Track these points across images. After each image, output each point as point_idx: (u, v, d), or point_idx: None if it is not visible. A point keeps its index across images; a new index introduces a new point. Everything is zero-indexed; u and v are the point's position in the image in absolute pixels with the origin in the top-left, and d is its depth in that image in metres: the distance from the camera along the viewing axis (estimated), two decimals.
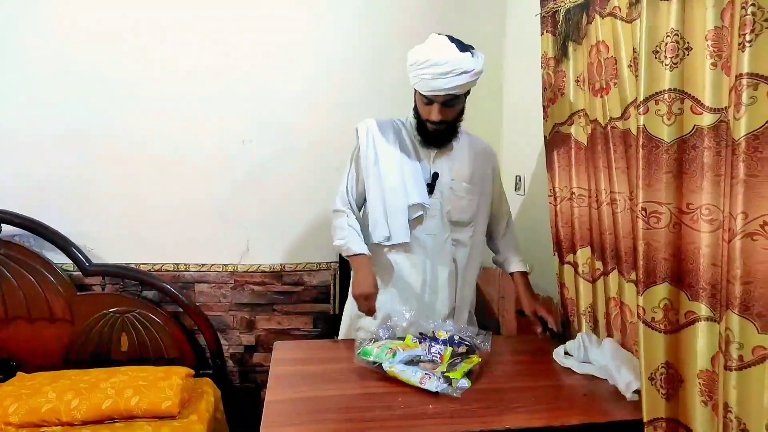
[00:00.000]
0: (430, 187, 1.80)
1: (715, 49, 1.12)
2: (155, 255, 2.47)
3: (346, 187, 1.86)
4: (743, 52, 0.96)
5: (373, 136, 1.82)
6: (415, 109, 1.79)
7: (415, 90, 1.73)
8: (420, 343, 1.61)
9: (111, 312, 2.36)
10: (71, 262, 2.36)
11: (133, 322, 2.38)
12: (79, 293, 2.36)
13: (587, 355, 1.59)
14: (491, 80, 2.57)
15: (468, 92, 1.75)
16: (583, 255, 1.75)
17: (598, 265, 1.68)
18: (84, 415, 1.95)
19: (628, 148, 1.45)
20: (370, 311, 1.71)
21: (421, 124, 1.78)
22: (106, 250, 2.44)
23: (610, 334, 1.64)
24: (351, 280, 1.78)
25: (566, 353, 1.66)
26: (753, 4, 0.94)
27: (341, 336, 1.97)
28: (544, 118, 1.85)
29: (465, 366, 1.51)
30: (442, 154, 1.83)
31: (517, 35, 2.41)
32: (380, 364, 1.52)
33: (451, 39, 1.66)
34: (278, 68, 2.45)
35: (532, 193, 2.26)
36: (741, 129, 0.98)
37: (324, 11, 2.46)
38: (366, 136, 1.82)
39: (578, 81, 1.71)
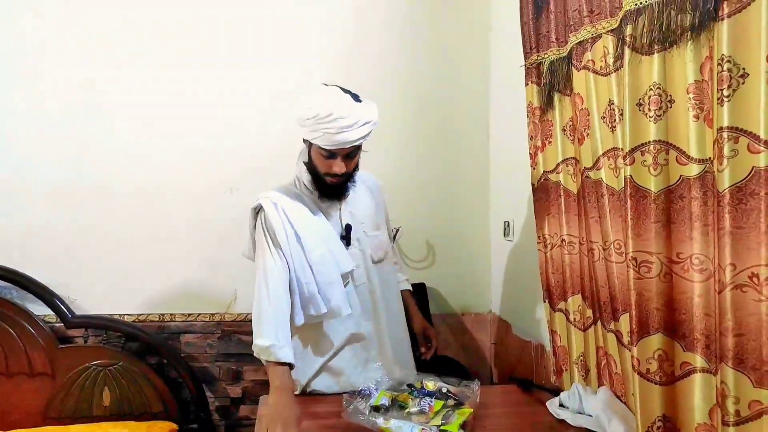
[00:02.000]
0: (347, 240, 1.75)
1: (697, 102, 1.14)
2: (140, 305, 2.42)
3: (269, 269, 1.66)
4: (722, 106, 0.98)
5: (284, 211, 1.69)
6: (309, 165, 1.71)
7: (311, 145, 1.66)
8: (410, 394, 1.58)
9: (93, 365, 2.30)
10: (53, 313, 2.31)
11: (116, 375, 2.31)
12: (60, 346, 2.30)
13: (582, 405, 1.56)
14: (478, 127, 2.61)
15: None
16: (574, 303, 1.74)
17: (589, 313, 1.66)
18: None
19: (600, 197, 1.46)
20: None
21: (318, 179, 1.71)
22: (89, 301, 2.39)
23: (601, 384, 1.61)
24: (267, 397, 1.56)
25: (561, 404, 1.62)
26: (729, 61, 0.97)
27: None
28: (531, 166, 1.87)
29: (459, 418, 1.48)
30: (346, 204, 1.79)
31: (502, 84, 2.46)
32: (374, 421, 1.47)
33: (344, 90, 1.63)
34: (265, 117, 2.47)
35: (520, 239, 2.26)
36: (725, 181, 0.99)
37: (310, 65, 2.49)
38: (278, 214, 1.68)
39: (564, 130, 1.74)
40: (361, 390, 1.61)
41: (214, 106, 2.44)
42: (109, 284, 2.40)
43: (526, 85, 1.85)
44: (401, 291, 1.97)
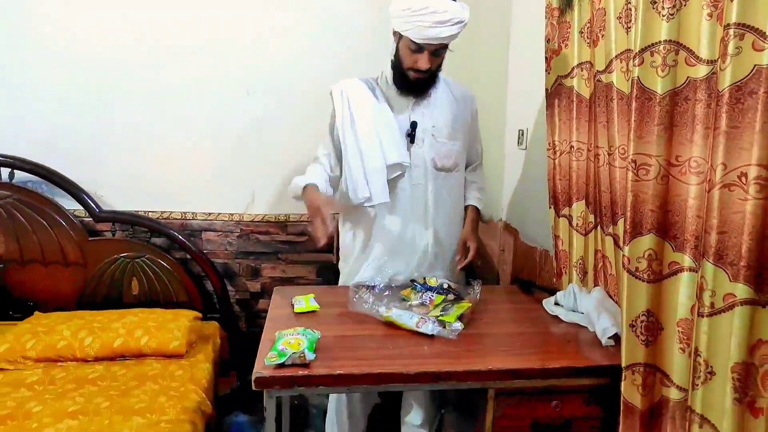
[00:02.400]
0: (411, 137, 1.81)
1: (711, 0, 1.11)
2: (163, 203, 2.54)
3: (325, 153, 1.90)
4: (732, 1, 0.96)
5: (347, 98, 1.82)
6: (396, 58, 1.77)
7: (400, 37, 1.71)
8: (413, 289, 1.68)
9: (122, 257, 2.45)
10: (82, 208, 2.44)
11: (143, 267, 2.46)
12: (90, 238, 2.45)
13: (576, 304, 1.64)
14: (498, 34, 2.53)
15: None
16: (578, 208, 1.77)
17: (591, 218, 1.70)
18: (97, 352, 2.06)
19: (609, 101, 1.45)
20: (323, 235, 1.63)
21: (401, 74, 1.77)
22: (115, 198, 2.51)
23: (596, 284, 1.68)
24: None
25: (556, 303, 1.70)
26: None
27: (341, 284, 2.04)
28: (546, 70, 1.84)
29: (457, 310, 1.58)
30: (420, 103, 1.84)
31: None
32: (377, 310, 1.58)
33: None
34: (280, 19, 2.44)
35: (534, 148, 2.26)
36: (726, 79, 0.98)
37: None
38: (341, 99, 1.82)
39: (582, 32, 1.69)
40: (367, 283, 1.72)
41: (228, 7, 2.41)
42: (133, 181, 2.51)
43: None
44: (467, 205, 2.01)
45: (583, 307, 1.60)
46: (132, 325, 2.15)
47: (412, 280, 1.74)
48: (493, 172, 2.63)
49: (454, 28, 1.63)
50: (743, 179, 0.98)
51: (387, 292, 1.65)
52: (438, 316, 1.53)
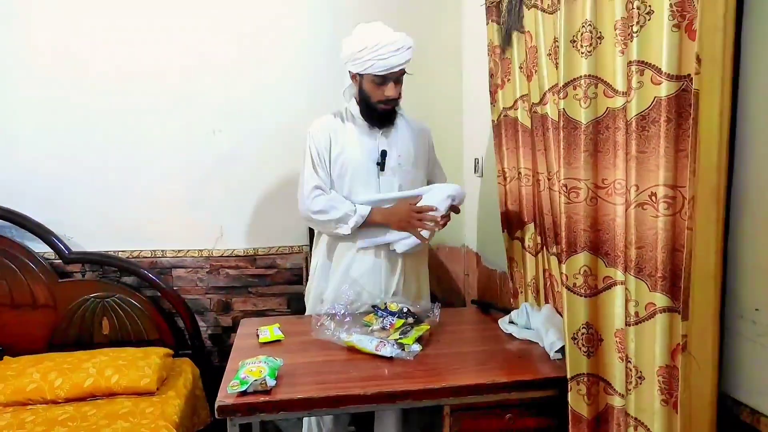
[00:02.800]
0: (381, 165, 1.94)
1: (622, 38, 1.23)
2: (133, 242, 2.57)
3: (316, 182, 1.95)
4: (632, 41, 1.08)
5: (329, 134, 1.95)
6: (361, 95, 1.91)
7: (362, 77, 1.86)
8: (375, 314, 1.75)
9: (92, 297, 2.47)
10: (51, 250, 2.46)
11: (114, 306, 2.49)
12: (60, 280, 2.47)
13: (529, 322, 1.72)
14: (451, 67, 2.68)
15: None
16: (528, 230, 1.87)
17: (539, 239, 1.80)
18: (67, 393, 2.07)
19: (545, 131, 1.57)
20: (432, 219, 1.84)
21: (370, 110, 1.91)
22: (85, 239, 2.54)
23: (546, 302, 1.77)
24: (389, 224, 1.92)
25: (511, 322, 1.79)
26: None
27: (308, 311, 2.10)
28: (491, 103, 1.97)
29: (416, 333, 1.65)
30: (387, 134, 1.98)
31: (473, 23, 2.50)
32: (338, 336, 1.64)
33: (381, 25, 1.85)
34: (244, 59, 2.54)
35: (489, 175, 2.37)
36: (633, 110, 1.10)
37: (284, 3, 2.55)
38: (322, 135, 1.95)
39: (522, 67, 1.82)
40: (328, 310, 1.79)
41: (194, 51, 2.51)
42: (102, 222, 2.54)
43: (487, 23, 1.92)
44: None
45: (534, 324, 1.68)
46: (102, 364, 2.16)
47: (374, 306, 1.82)
48: None
49: (408, 53, 1.82)
50: (653, 198, 1.09)
51: (348, 318, 1.71)
52: (397, 339, 1.60)
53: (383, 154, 1.94)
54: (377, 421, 2.08)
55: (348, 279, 1.97)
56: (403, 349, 1.57)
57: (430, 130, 2.16)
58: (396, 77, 1.85)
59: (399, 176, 1.97)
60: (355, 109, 1.96)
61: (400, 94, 1.93)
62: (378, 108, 1.89)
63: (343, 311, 1.75)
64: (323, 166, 1.94)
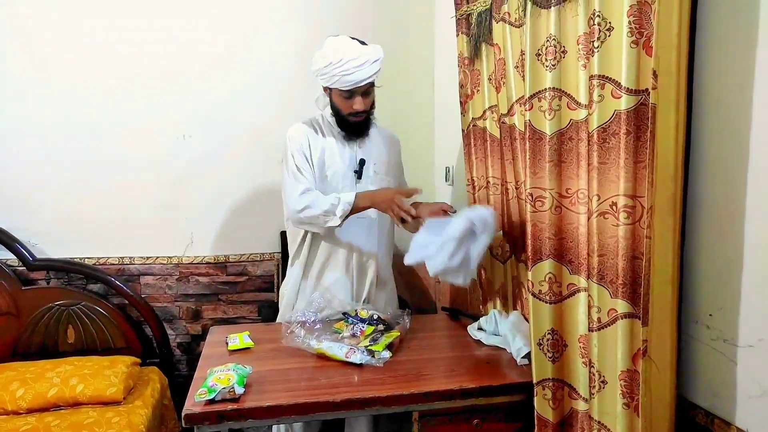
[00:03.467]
0: (359, 174, 1.96)
1: (584, 52, 1.27)
2: (99, 249, 2.53)
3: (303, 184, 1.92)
4: (593, 56, 1.12)
5: (308, 138, 1.95)
6: (333, 108, 1.93)
7: (331, 90, 1.88)
8: (345, 321, 1.76)
9: (56, 305, 2.42)
10: (15, 257, 2.41)
11: (79, 314, 2.44)
12: (24, 287, 2.41)
13: (497, 328, 1.75)
14: (424, 77, 2.72)
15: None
16: (497, 239, 1.91)
17: (507, 246, 1.84)
18: (29, 403, 2.02)
19: (513, 141, 1.61)
20: (408, 212, 1.78)
21: (342, 121, 1.93)
22: (50, 245, 2.49)
23: (515, 308, 1.81)
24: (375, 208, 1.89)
25: (479, 328, 1.81)
26: (599, 15, 1.10)
27: (279, 320, 2.10)
28: (461, 114, 2.00)
29: (386, 340, 1.66)
30: (363, 142, 2.00)
31: (445, 35, 2.54)
32: (308, 343, 1.64)
33: (350, 38, 1.85)
34: (216, 64, 2.54)
35: (459, 183, 2.41)
36: (594, 122, 1.14)
37: (260, 12, 2.55)
38: (302, 139, 1.94)
39: (490, 79, 1.86)
40: (298, 317, 1.79)
41: (165, 55, 2.49)
42: (68, 228, 2.50)
43: (457, 35, 1.96)
44: None
45: (502, 330, 1.71)
46: (67, 373, 2.11)
47: (344, 313, 1.82)
48: None
49: (373, 67, 1.82)
50: (614, 207, 1.13)
51: (318, 326, 1.72)
52: (367, 346, 1.61)
53: (362, 162, 1.97)
54: (347, 428, 2.08)
55: (319, 287, 1.98)
56: (373, 356, 1.58)
57: (399, 140, 2.19)
58: (363, 90, 1.86)
59: (375, 184, 2.00)
60: (331, 117, 1.98)
61: (373, 104, 1.95)
62: (349, 120, 1.92)
63: (313, 318, 1.75)
64: (307, 168, 1.93)
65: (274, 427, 2.07)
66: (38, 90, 2.42)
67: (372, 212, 1.95)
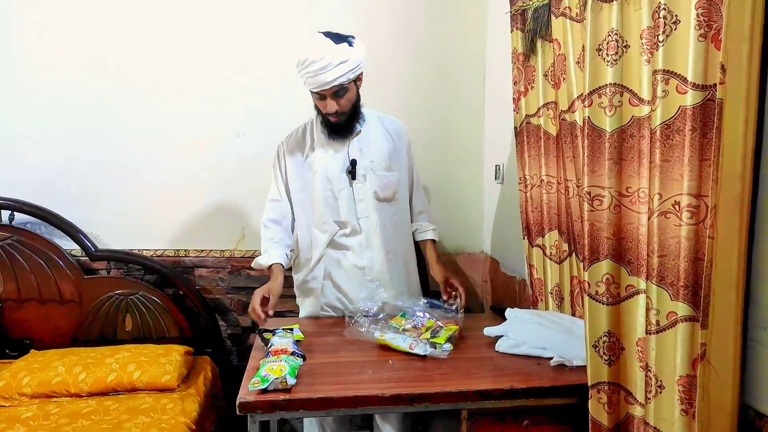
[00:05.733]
0: (352, 174, 1.97)
1: (648, 47, 1.23)
2: (157, 241, 2.63)
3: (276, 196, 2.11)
4: (657, 51, 1.08)
5: (283, 153, 2.07)
6: (316, 107, 1.94)
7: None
8: (403, 317, 1.78)
9: (116, 294, 2.53)
10: (79, 247, 2.53)
11: (137, 303, 2.54)
12: (86, 276, 2.53)
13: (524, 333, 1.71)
14: (474, 72, 2.69)
15: (358, 79, 1.90)
16: (551, 238, 1.87)
17: (565, 246, 1.80)
18: (90, 387, 2.12)
19: (574, 138, 1.57)
20: (254, 311, 1.85)
21: (324, 119, 1.94)
22: (111, 237, 2.60)
23: (574, 310, 1.77)
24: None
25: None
26: (664, 8, 1.06)
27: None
28: (514, 110, 1.97)
29: (446, 333, 1.67)
30: (356, 141, 2.00)
31: (498, 30, 2.51)
32: (372, 333, 1.67)
33: (327, 34, 1.81)
34: (270, 62, 2.58)
35: (510, 182, 2.37)
36: (657, 119, 1.10)
37: (312, 8, 2.58)
38: (278, 156, 2.10)
39: (546, 75, 1.83)
40: (362, 309, 1.82)
41: (221, 53, 2.56)
42: (128, 221, 2.60)
43: (512, 31, 1.93)
44: (423, 241, 2.15)
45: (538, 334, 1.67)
46: (125, 360, 2.21)
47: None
48: (472, 205, 2.75)
49: (338, 69, 1.76)
50: (677, 207, 1.09)
51: (381, 317, 1.75)
52: (429, 339, 1.63)
53: (353, 163, 1.97)
54: (377, 427, 2.10)
55: (333, 284, 2.07)
56: (435, 348, 1.60)
57: (407, 130, 2.17)
58: (333, 92, 1.83)
59: (373, 182, 2.00)
60: (318, 119, 2.00)
61: (354, 105, 1.93)
62: (329, 120, 1.91)
63: (375, 309, 1.78)
64: (276, 191, 2.09)
65: (306, 420, 2.11)
66: (100, 89, 2.52)
67: (355, 216, 2.02)
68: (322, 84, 1.78)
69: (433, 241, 2.16)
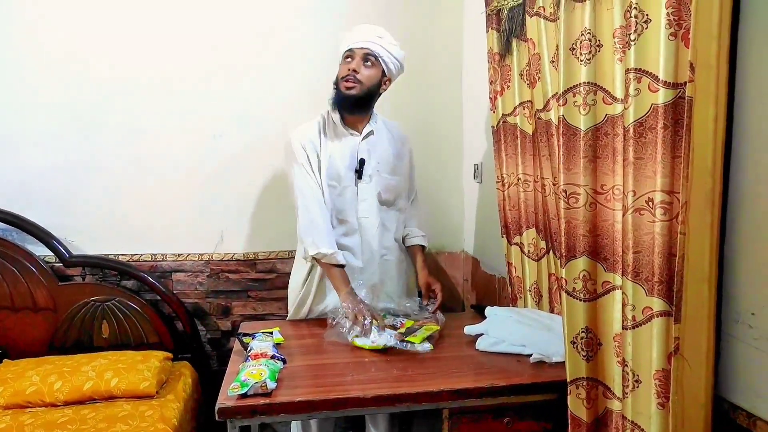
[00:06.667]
0: (359, 173, 1.98)
1: (620, 46, 1.25)
2: (133, 246, 2.58)
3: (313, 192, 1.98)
4: (629, 49, 1.10)
5: (311, 140, 2.00)
6: (335, 83, 1.98)
7: (342, 60, 1.97)
8: (385, 317, 1.79)
9: (92, 300, 2.48)
10: (52, 254, 2.47)
11: (114, 310, 2.49)
12: (60, 283, 2.47)
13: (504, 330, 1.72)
14: (452, 73, 2.70)
15: (385, 76, 1.97)
16: (528, 236, 1.89)
17: (542, 244, 1.81)
18: (66, 396, 2.07)
19: (550, 137, 1.58)
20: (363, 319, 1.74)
21: (337, 93, 1.97)
22: (86, 242, 2.55)
23: (552, 307, 1.78)
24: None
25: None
26: (635, 8, 1.08)
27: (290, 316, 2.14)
28: (491, 110, 1.99)
29: (425, 332, 1.67)
30: (366, 141, 2.02)
31: (474, 30, 2.53)
32: (347, 336, 1.67)
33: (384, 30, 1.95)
34: (248, 64, 2.56)
35: (488, 181, 2.39)
36: (630, 117, 1.12)
37: (288, 7, 2.57)
38: (303, 150, 1.99)
39: (522, 75, 1.84)
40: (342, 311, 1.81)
41: (196, 57, 2.53)
42: (103, 226, 2.55)
43: (487, 31, 1.95)
44: (412, 246, 2.16)
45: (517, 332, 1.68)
46: (102, 367, 2.16)
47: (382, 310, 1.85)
48: (452, 205, 2.76)
49: (374, 39, 1.91)
50: (650, 204, 1.10)
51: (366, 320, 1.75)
52: (404, 336, 1.63)
53: (361, 162, 1.99)
54: (368, 427, 2.09)
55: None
56: (406, 344, 1.61)
57: (409, 138, 2.20)
58: (363, 54, 1.91)
59: (377, 183, 2.02)
60: (336, 115, 2.01)
61: (370, 83, 1.94)
62: (342, 88, 1.93)
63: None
64: (314, 171, 1.99)
65: (293, 424, 2.10)
66: (74, 91, 2.47)
67: (355, 216, 2.01)
68: (358, 39, 1.90)
69: (423, 247, 2.18)
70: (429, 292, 2.08)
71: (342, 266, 1.92)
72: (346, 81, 1.92)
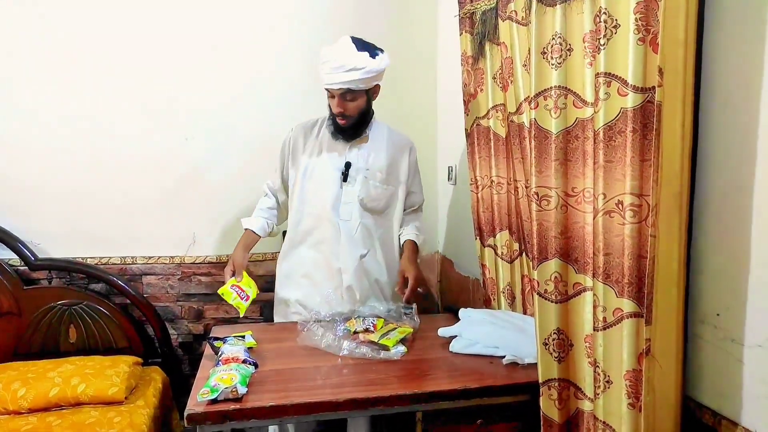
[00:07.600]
0: (344, 176, 1.98)
1: (590, 50, 1.26)
2: (102, 249, 2.53)
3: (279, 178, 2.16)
4: (599, 54, 1.11)
5: (301, 136, 2.07)
6: (328, 104, 1.97)
7: None
8: (356, 319, 1.77)
9: (58, 305, 2.41)
10: (17, 257, 2.40)
11: (81, 314, 2.43)
12: (25, 287, 2.40)
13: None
14: (426, 76, 2.71)
15: (371, 90, 1.94)
16: (501, 238, 1.90)
17: (516, 246, 1.82)
18: (31, 403, 2.01)
19: (522, 140, 1.60)
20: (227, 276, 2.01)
21: (333, 120, 1.98)
22: (52, 245, 2.49)
23: (525, 309, 1.80)
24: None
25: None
26: (605, 13, 1.09)
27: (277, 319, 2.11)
28: (465, 112, 1.99)
29: (398, 335, 1.67)
30: (357, 146, 2.02)
31: (448, 33, 2.53)
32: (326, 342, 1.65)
33: (354, 39, 1.85)
34: (219, 66, 2.53)
35: (462, 183, 2.40)
36: (600, 120, 1.13)
37: (262, 8, 2.54)
38: (283, 149, 2.12)
39: (495, 78, 1.85)
40: (314, 317, 1.80)
41: (167, 58, 2.48)
42: (71, 228, 2.49)
43: (461, 34, 1.95)
44: (405, 242, 2.13)
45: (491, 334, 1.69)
46: (68, 373, 2.11)
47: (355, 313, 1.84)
48: (427, 207, 2.75)
49: (350, 74, 1.80)
50: (620, 206, 1.12)
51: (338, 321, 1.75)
52: (378, 340, 1.62)
53: (347, 165, 1.99)
54: (349, 429, 2.08)
55: (306, 279, 2.06)
56: (388, 350, 1.60)
57: (415, 148, 2.17)
58: (341, 93, 1.87)
59: (362, 188, 2.01)
60: (329, 115, 2.01)
61: (364, 112, 1.95)
62: (336, 119, 1.95)
63: (329, 317, 1.78)
64: (282, 169, 2.12)
65: (270, 428, 2.07)
66: (39, 91, 2.41)
67: (337, 217, 2.01)
68: (332, 83, 1.84)
69: (414, 243, 2.13)
70: (403, 280, 2.05)
71: (256, 235, 2.11)
72: (338, 117, 1.93)
